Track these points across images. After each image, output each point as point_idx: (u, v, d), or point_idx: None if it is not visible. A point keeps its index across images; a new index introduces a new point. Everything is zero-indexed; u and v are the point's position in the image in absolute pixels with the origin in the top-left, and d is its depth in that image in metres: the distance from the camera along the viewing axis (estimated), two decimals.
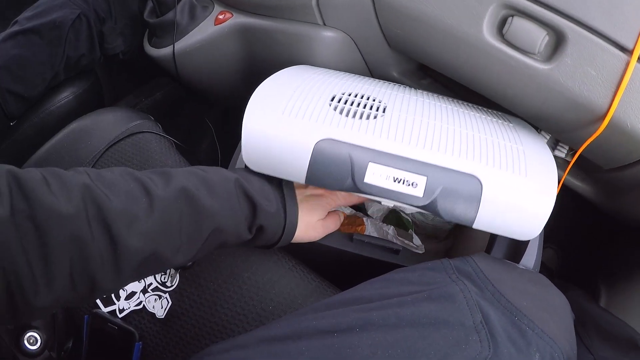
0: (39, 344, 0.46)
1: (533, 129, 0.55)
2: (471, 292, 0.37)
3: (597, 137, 0.49)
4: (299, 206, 0.46)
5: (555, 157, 0.62)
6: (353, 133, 0.43)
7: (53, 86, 0.72)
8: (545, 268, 0.83)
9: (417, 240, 0.63)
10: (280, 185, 0.46)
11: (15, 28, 0.67)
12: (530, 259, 0.48)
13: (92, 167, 0.55)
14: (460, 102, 0.57)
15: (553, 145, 0.62)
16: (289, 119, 0.43)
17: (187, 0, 0.67)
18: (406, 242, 0.61)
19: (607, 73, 0.46)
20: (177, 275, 0.49)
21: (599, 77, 0.46)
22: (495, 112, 0.57)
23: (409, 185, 0.42)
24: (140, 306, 0.49)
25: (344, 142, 0.42)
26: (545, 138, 0.62)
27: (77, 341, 0.51)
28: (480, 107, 0.57)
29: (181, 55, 0.66)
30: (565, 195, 0.70)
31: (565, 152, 0.59)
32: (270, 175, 0.45)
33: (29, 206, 0.30)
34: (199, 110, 0.90)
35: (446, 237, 0.71)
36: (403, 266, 0.50)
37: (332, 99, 0.47)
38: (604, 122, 0.47)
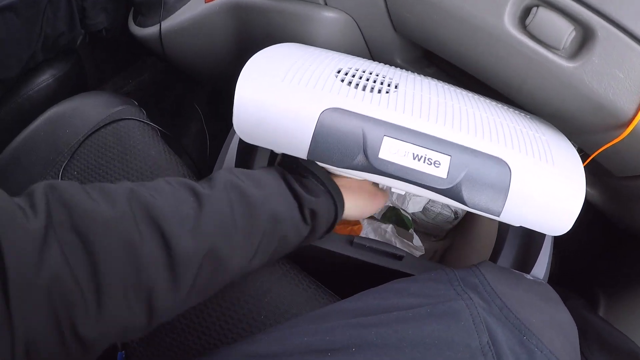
0: None
1: (551, 124, 0.51)
2: (477, 307, 0.34)
3: (616, 143, 0.45)
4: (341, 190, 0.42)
5: None
6: (365, 104, 0.38)
7: (31, 67, 0.66)
8: None
9: (417, 241, 0.60)
10: (313, 174, 0.41)
11: None
12: (540, 269, 0.46)
13: (70, 157, 0.50)
14: (476, 94, 0.53)
15: None
16: (289, 86, 0.38)
17: None
18: (405, 241, 0.58)
19: (636, 77, 0.42)
20: None
21: (627, 80, 0.43)
22: (506, 104, 0.53)
23: (431, 164, 0.37)
24: None
25: (355, 113, 0.37)
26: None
27: None
28: (497, 101, 0.53)
29: (168, 35, 0.60)
30: None
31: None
32: (268, 148, 0.40)
33: (70, 216, 0.26)
34: (187, 93, 0.84)
35: (445, 235, 0.68)
36: (406, 273, 0.47)
37: (339, 72, 0.42)
38: (627, 129, 0.44)
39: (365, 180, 0.43)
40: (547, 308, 0.37)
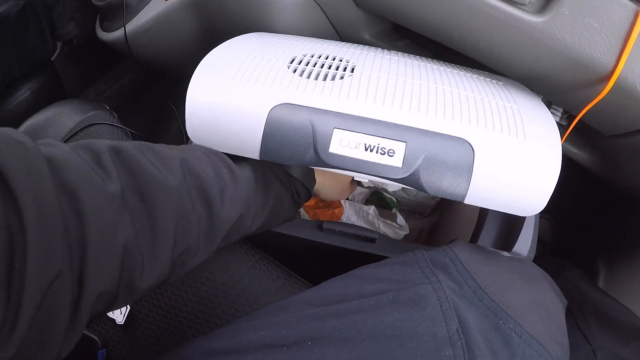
0: None
1: (526, 87, 0.48)
2: (447, 290, 0.31)
3: (600, 100, 0.42)
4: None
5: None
6: (315, 96, 0.36)
7: (9, 83, 0.67)
8: (539, 241, 0.76)
9: (401, 220, 0.57)
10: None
11: None
12: (524, 244, 0.42)
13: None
14: (442, 62, 0.50)
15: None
16: (238, 85, 0.37)
17: None
18: (389, 222, 0.56)
19: (612, 25, 0.39)
20: None
21: (603, 30, 0.39)
22: (482, 72, 0.50)
23: (384, 153, 0.35)
24: None
25: (304, 107, 0.36)
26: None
27: None
28: (465, 67, 0.50)
29: (134, 37, 0.60)
30: (564, 164, 0.63)
31: (560, 115, 0.51)
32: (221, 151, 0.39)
33: (135, 181, 0.28)
34: (164, 92, 0.85)
35: (431, 212, 0.65)
36: (381, 256, 0.45)
37: (292, 62, 0.40)
38: (608, 84, 0.40)
39: None
40: (528, 287, 0.35)
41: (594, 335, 0.44)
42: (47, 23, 0.68)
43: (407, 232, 0.56)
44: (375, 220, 0.55)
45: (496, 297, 0.31)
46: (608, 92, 0.41)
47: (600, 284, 0.61)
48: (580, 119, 0.47)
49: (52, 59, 0.77)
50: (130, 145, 0.30)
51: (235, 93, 0.37)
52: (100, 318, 0.46)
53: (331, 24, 0.56)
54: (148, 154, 0.31)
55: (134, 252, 0.27)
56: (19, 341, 0.20)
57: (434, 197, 0.61)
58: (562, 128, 0.54)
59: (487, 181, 0.35)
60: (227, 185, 0.35)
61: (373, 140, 0.35)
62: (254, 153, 0.37)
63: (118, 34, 0.61)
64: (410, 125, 0.35)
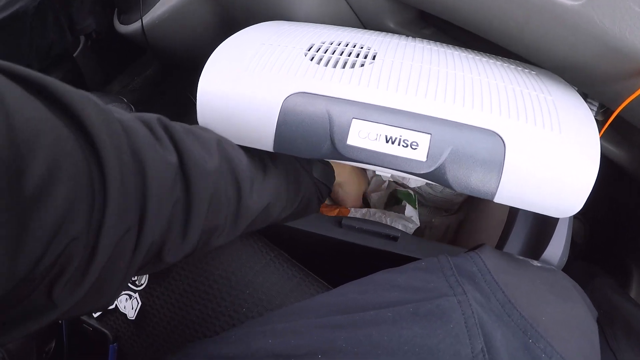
0: None
1: (560, 78, 0.44)
2: (473, 304, 0.29)
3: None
4: None
5: None
6: (332, 84, 0.34)
7: None
8: (572, 243, 0.72)
9: (410, 211, 0.54)
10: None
11: None
12: (555, 250, 0.39)
13: None
14: (471, 51, 0.47)
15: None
16: (251, 74, 0.35)
17: None
18: (395, 214, 0.53)
19: None
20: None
21: None
22: (513, 61, 0.47)
23: (407, 146, 0.32)
24: (113, 306, 0.46)
25: (320, 95, 0.34)
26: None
27: (59, 343, 0.49)
28: (495, 56, 0.47)
29: (152, 28, 0.59)
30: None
31: (595, 109, 0.48)
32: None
33: (179, 157, 0.28)
34: (185, 83, 0.84)
35: (458, 209, 0.62)
36: (402, 255, 0.43)
37: (310, 49, 0.38)
38: None
39: None
40: (560, 302, 0.32)
41: (623, 351, 0.41)
42: (65, 17, 0.68)
43: (417, 225, 0.53)
44: (380, 214, 0.53)
45: (525, 312, 0.29)
46: None
47: (633, 291, 0.57)
48: (618, 113, 0.44)
49: (75, 54, 0.78)
50: (174, 123, 0.31)
51: (248, 81, 0.35)
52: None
53: (353, 11, 0.54)
54: (187, 132, 0.31)
55: (172, 225, 0.27)
56: (88, 288, 0.22)
57: (460, 194, 0.59)
58: (598, 123, 0.51)
59: (520, 178, 0.32)
60: (258, 176, 0.35)
61: (395, 132, 0.32)
62: (267, 145, 0.35)
63: (135, 26, 0.60)
64: (435, 116, 0.33)
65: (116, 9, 0.69)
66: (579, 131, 0.34)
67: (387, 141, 0.33)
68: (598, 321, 0.45)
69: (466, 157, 0.32)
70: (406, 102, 0.33)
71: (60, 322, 0.47)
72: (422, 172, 0.32)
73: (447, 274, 0.31)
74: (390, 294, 0.31)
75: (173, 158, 0.27)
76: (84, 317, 0.46)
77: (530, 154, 0.32)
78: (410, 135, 0.32)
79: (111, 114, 0.24)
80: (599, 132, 0.45)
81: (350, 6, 0.54)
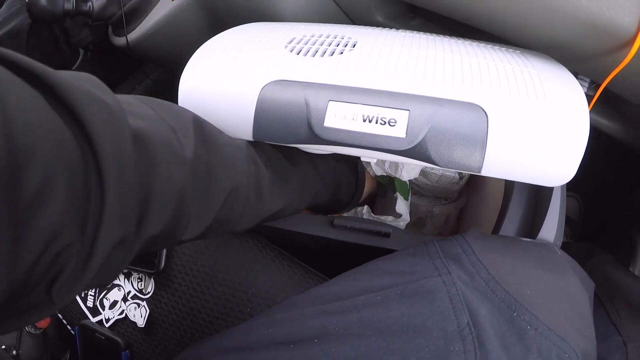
0: None
1: (548, 57, 0.44)
2: (457, 282, 0.30)
3: (624, 66, 0.38)
4: None
5: None
6: (310, 70, 0.35)
7: None
8: (569, 221, 0.71)
9: (400, 207, 0.54)
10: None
11: None
12: (550, 229, 0.39)
13: None
14: (459, 38, 0.47)
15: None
16: (230, 67, 0.36)
17: None
18: (382, 218, 0.53)
19: None
20: (152, 281, 0.46)
21: None
22: (500, 44, 0.47)
23: (385, 123, 0.32)
24: (123, 315, 0.47)
25: (297, 82, 0.34)
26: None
27: (73, 353, 0.50)
28: (480, 41, 0.47)
29: (145, 38, 0.60)
30: (591, 136, 0.59)
31: (587, 85, 0.48)
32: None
33: (207, 152, 0.29)
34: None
35: (458, 197, 0.63)
36: (395, 250, 0.43)
37: (291, 42, 0.39)
38: (632, 48, 0.37)
39: None
40: (548, 275, 0.32)
41: (625, 325, 0.41)
42: (60, 31, 0.69)
43: (407, 222, 0.53)
44: (370, 217, 0.53)
45: (510, 288, 0.29)
46: (633, 57, 0.37)
47: (638, 261, 0.57)
48: (607, 87, 0.44)
49: (74, 67, 0.79)
50: (210, 125, 0.32)
51: (227, 73, 0.36)
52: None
53: (340, 8, 0.54)
54: (224, 136, 0.33)
55: (184, 216, 0.28)
56: (86, 285, 0.22)
57: (457, 182, 0.59)
58: (590, 98, 0.50)
59: (506, 149, 0.32)
60: (278, 181, 0.37)
61: (371, 111, 0.32)
62: (247, 134, 0.35)
63: (129, 37, 0.62)
64: (413, 93, 0.33)
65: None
66: (565, 99, 0.33)
67: (364, 120, 0.32)
68: (598, 297, 0.45)
69: (448, 131, 0.31)
70: (383, 81, 0.33)
71: (73, 332, 0.49)
72: (402, 148, 0.32)
73: (433, 257, 0.32)
74: (380, 280, 0.32)
75: (189, 154, 0.28)
76: (97, 326, 0.48)
77: (515, 124, 0.32)
78: (387, 113, 0.32)
79: (119, 115, 0.23)
80: (589, 105, 0.45)
81: (337, 4, 0.54)
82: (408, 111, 0.32)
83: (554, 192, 0.41)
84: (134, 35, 0.63)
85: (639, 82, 0.41)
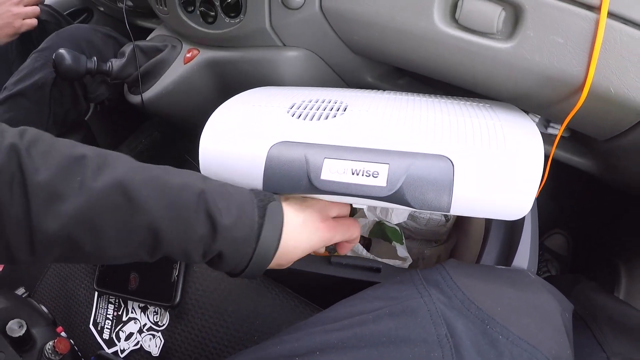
0: None
1: (515, 107, 0.51)
2: (436, 303, 0.35)
3: (580, 108, 0.44)
4: (291, 217, 0.39)
5: (550, 134, 0.57)
6: (308, 133, 0.41)
7: None
8: (556, 256, 0.76)
9: (402, 251, 0.60)
10: (269, 200, 0.38)
11: (5, 94, 0.72)
12: (523, 257, 0.45)
13: None
14: (437, 96, 0.54)
15: (545, 123, 0.58)
16: (242, 131, 0.43)
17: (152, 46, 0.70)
18: (386, 259, 0.58)
19: (576, 38, 0.41)
20: (167, 313, 0.50)
21: (568, 44, 0.42)
22: (474, 98, 0.54)
23: (369, 175, 0.38)
24: (138, 346, 0.51)
25: (299, 143, 0.41)
26: (536, 119, 0.57)
27: None
28: (457, 97, 0.54)
29: (159, 98, 0.68)
30: (569, 175, 0.65)
31: (559, 128, 0.54)
32: None
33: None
34: (188, 146, 0.93)
35: (447, 239, 0.67)
36: None
37: (292, 107, 0.46)
38: (583, 93, 0.43)
39: (322, 208, 0.42)
40: (519, 294, 0.37)
41: (609, 343, 0.44)
42: (80, 87, 0.77)
43: (410, 262, 0.58)
44: (369, 256, 0.58)
45: (483, 306, 0.34)
46: (585, 100, 0.43)
47: (622, 289, 0.60)
48: (575, 128, 0.49)
49: (86, 118, 0.87)
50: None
51: (240, 137, 0.42)
52: None
53: (334, 71, 0.62)
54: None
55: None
56: None
57: (444, 224, 0.64)
58: (562, 139, 0.56)
59: (469, 192, 0.37)
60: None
61: (358, 165, 0.39)
62: (258, 185, 0.42)
63: (145, 96, 0.70)
64: (391, 149, 0.39)
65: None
66: (522, 146, 0.39)
67: (352, 173, 0.39)
68: (584, 319, 0.49)
69: (421, 179, 0.37)
70: (367, 140, 0.40)
71: None
72: (384, 195, 0.38)
73: (416, 284, 0.37)
74: (372, 304, 0.37)
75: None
76: (112, 357, 0.52)
77: (476, 170, 0.37)
78: (371, 167, 0.38)
79: None
80: (553, 145, 0.51)
81: (331, 67, 0.62)
82: (388, 164, 0.38)
83: (524, 224, 0.46)
84: (149, 94, 0.71)
85: (596, 121, 0.47)
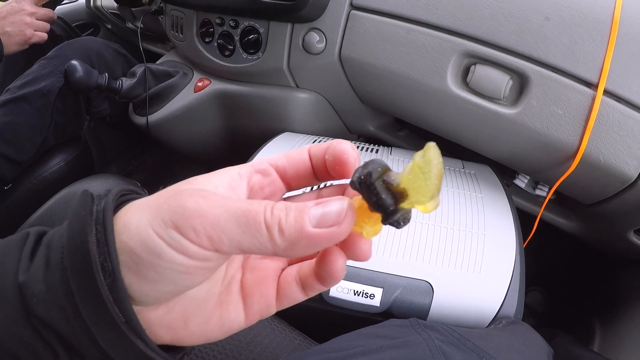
0: None
1: (506, 198, 0.52)
2: (434, 340, 0.37)
3: (570, 174, 0.48)
4: None
5: (537, 196, 0.62)
6: None
7: (44, 151, 0.74)
8: (533, 312, 0.80)
9: None
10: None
11: (7, 96, 0.70)
12: (509, 307, 0.48)
13: None
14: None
15: (533, 185, 0.62)
16: None
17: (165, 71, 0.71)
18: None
19: (574, 110, 0.46)
20: None
21: (566, 115, 0.46)
22: (467, 165, 0.57)
23: (367, 297, 0.46)
24: None
25: None
26: (524, 180, 0.62)
27: None
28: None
29: (165, 122, 0.68)
30: (550, 234, 0.69)
31: (547, 191, 0.59)
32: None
33: None
34: (187, 172, 0.92)
35: None
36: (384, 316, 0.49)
37: None
38: (575, 160, 0.47)
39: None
40: (508, 334, 0.40)
41: None
42: (84, 100, 0.76)
43: None
44: None
45: (478, 342, 0.37)
46: (576, 167, 0.47)
47: (597, 341, 0.64)
48: (563, 192, 0.54)
49: (82, 132, 0.84)
50: None
51: None
52: None
53: (340, 117, 0.65)
54: None
55: None
56: None
57: None
58: (549, 202, 0.61)
59: (444, 307, 0.45)
60: None
61: (360, 287, 0.46)
62: None
63: (150, 119, 0.70)
64: (385, 272, 0.45)
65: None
66: (494, 269, 0.45)
67: (355, 294, 0.46)
68: None
69: (406, 299, 0.45)
70: (368, 264, 0.45)
71: None
72: (377, 312, 0.45)
73: (415, 327, 0.41)
74: (374, 341, 0.39)
75: None
76: None
77: (450, 292, 0.44)
78: (369, 289, 0.46)
79: None
80: (542, 206, 0.56)
81: (337, 113, 0.65)
82: (382, 288, 0.45)
83: (512, 275, 0.49)
84: (154, 117, 0.72)
85: (584, 186, 0.51)
